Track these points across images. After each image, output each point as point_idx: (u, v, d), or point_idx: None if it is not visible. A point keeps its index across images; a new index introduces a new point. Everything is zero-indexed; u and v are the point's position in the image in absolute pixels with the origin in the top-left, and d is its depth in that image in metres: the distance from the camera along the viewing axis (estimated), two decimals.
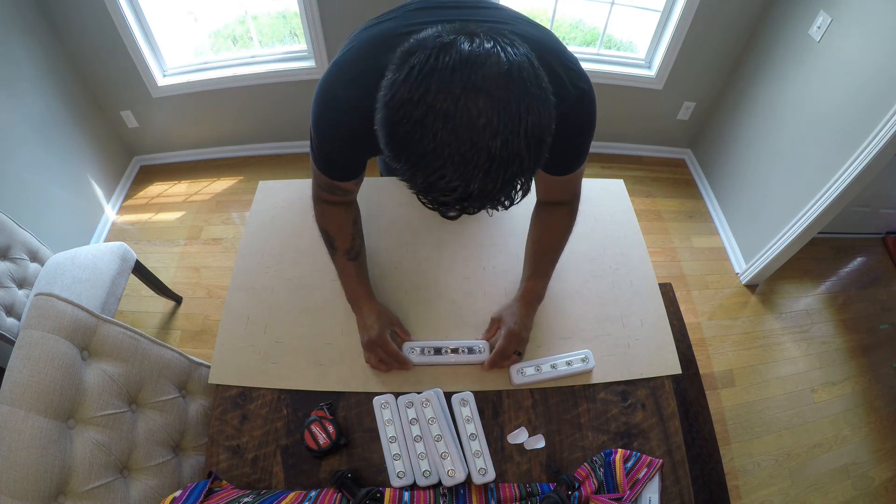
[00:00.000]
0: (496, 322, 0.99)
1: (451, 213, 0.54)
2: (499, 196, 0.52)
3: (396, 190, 1.26)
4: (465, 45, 0.46)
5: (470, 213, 0.54)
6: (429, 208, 0.54)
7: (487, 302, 1.05)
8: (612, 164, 2.67)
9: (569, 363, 0.97)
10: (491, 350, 0.96)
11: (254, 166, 2.66)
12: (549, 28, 0.76)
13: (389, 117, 0.50)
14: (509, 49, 0.48)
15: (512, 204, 0.53)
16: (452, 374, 0.96)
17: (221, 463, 0.88)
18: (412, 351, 0.97)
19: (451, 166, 0.48)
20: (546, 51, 0.66)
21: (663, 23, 2.19)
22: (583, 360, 0.97)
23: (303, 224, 1.19)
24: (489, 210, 0.53)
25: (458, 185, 0.49)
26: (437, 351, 0.97)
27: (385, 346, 0.94)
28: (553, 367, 0.96)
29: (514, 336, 0.94)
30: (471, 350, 0.97)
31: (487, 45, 0.47)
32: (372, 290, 1.01)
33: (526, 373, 0.95)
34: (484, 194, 0.50)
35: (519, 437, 0.90)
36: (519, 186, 0.52)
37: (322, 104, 0.73)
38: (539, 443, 0.89)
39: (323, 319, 1.03)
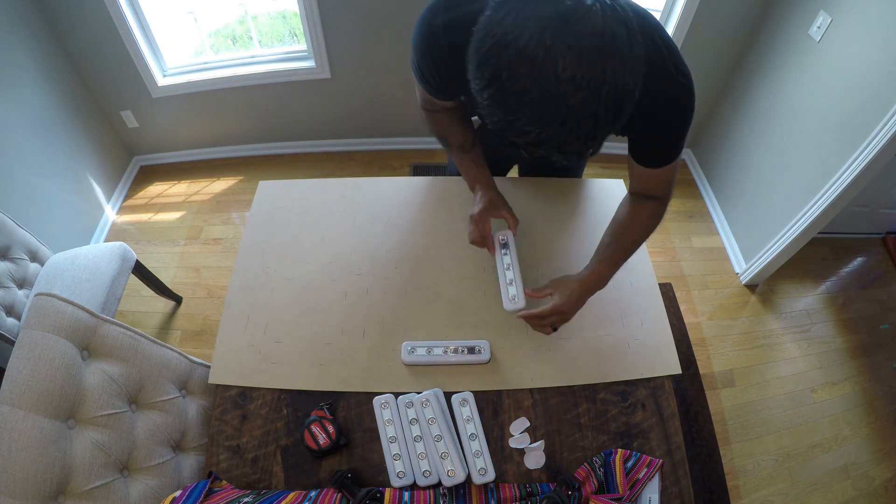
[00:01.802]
0: (549, 288, 0.97)
1: (523, 153, 0.56)
2: (568, 148, 0.53)
3: (396, 190, 1.26)
4: (568, 2, 0.47)
5: (535, 156, 0.56)
6: (502, 145, 0.56)
7: (487, 302, 1.05)
8: (612, 164, 2.67)
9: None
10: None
11: (254, 166, 2.66)
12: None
13: (480, 52, 0.52)
14: (609, 12, 0.49)
15: (580, 159, 0.55)
16: (452, 374, 0.96)
17: (221, 463, 0.88)
18: (412, 351, 0.97)
19: (529, 111, 0.50)
20: (652, 28, 0.69)
21: (663, 23, 2.19)
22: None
23: (303, 224, 1.19)
24: (555, 158, 0.55)
25: (532, 131, 0.51)
26: (437, 351, 0.97)
27: (480, 224, 1.01)
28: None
29: (559, 310, 0.92)
30: (471, 350, 0.97)
31: (589, 3, 0.48)
32: (489, 178, 1.07)
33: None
34: (554, 144, 0.53)
35: (521, 441, 0.90)
36: (590, 143, 0.53)
37: (422, 25, 0.78)
38: (540, 461, 0.88)
39: (323, 319, 1.03)
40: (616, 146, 3.11)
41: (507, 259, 1.01)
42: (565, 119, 0.50)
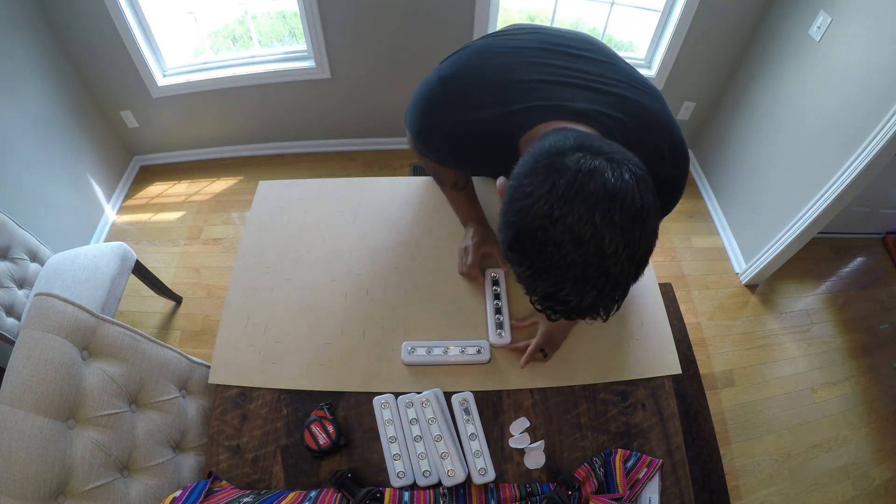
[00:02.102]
0: (535, 316, 1.01)
1: (553, 317, 0.57)
2: (603, 311, 0.55)
3: (396, 190, 1.26)
4: (609, 177, 0.50)
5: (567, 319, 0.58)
6: (536, 308, 0.58)
7: (487, 302, 1.05)
8: None
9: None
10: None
11: (254, 166, 2.66)
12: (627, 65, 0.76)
13: (523, 225, 0.52)
14: (641, 182, 0.52)
15: (608, 316, 0.56)
16: (452, 374, 0.96)
17: (221, 463, 0.88)
18: (412, 351, 0.97)
19: (571, 283, 0.52)
20: (658, 127, 0.69)
21: (663, 23, 2.19)
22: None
23: (303, 224, 1.19)
24: (588, 320, 0.57)
25: (573, 300, 0.53)
26: (437, 351, 0.97)
27: (470, 256, 1.05)
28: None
29: (547, 337, 0.95)
30: (471, 350, 0.97)
31: (626, 177, 0.50)
32: (482, 214, 1.11)
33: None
34: (592, 309, 0.54)
35: (521, 441, 0.90)
36: (620, 303, 0.56)
37: (424, 111, 0.76)
38: (540, 461, 0.88)
39: (323, 319, 1.03)
40: None
41: (497, 295, 1.04)
42: (603, 287, 0.52)
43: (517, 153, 0.67)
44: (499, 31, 0.82)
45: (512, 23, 1.10)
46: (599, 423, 0.92)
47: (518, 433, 0.90)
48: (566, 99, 0.65)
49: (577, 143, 0.53)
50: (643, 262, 0.53)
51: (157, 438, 0.95)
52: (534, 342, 0.95)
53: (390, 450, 0.86)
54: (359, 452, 0.89)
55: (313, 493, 0.81)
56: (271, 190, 1.26)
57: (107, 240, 2.35)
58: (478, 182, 1.26)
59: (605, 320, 0.56)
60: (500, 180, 0.64)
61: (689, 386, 1.32)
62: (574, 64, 0.70)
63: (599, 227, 0.49)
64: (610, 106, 0.66)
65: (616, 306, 0.56)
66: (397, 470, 0.85)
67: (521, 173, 0.55)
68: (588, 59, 0.71)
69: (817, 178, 1.83)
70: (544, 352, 0.96)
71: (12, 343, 1.42)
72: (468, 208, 1.10)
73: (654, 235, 0.54)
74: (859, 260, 2.47)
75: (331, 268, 1.11)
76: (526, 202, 0.52)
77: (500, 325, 1.00)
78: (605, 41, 2.29)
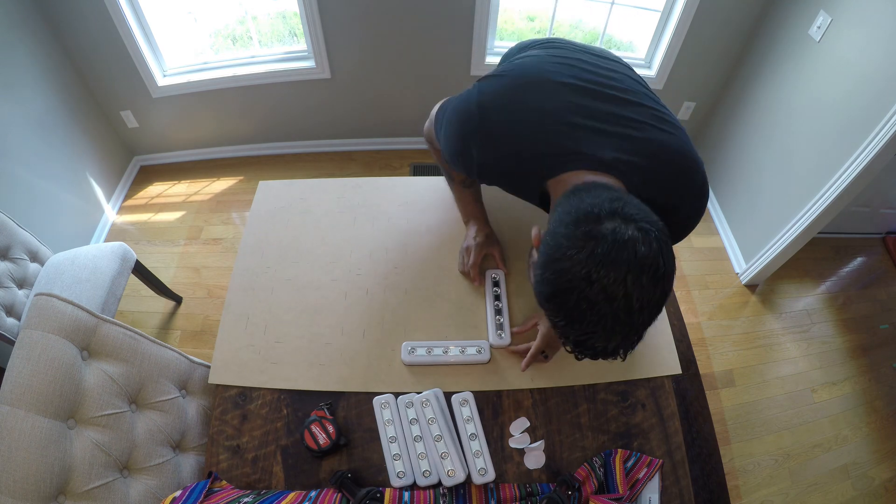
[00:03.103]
0: (534, 318, 1.01)
1: (580, 357, 0.64)
2: (625, 351, 0.62)
3: (396, 190, 1.26)
4: (641, 247, 0.57)
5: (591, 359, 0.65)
6: (566, 350, 0.65)
7: (487, 302, 1.05)
8: None
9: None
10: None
11: (254, 166, 2.66)
12: (645, 89, 0.80)
13: (562, 284, 0.59)
14: (665, 250, 0.59)
15: (626, 356, 0.63)
16: (452, 374, 0.96)
17: (221, 463, 0.88)
18: (412, 351, 0.97)
19: (601, 333, 0.59)
20: (681, 171, 0.75)
21: (663, 23, 2.18)
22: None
23: (303, 224, 1.19)
24: (610, 359, 0.63)
25: (599, 346, 0.60)
26: (437, 351, 0.97)
27: (472, 256, 1.07)
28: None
29: (547, 340, 0.95)
30: (471, 350, 0.97)
31: (654, 246, 0.58)
32: (485, 214, 1.12)
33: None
34: (615, 352, 0.61)
35: (521, 441, 0.90)
36: (637, 343, 0.62)
37: (461, 144, 0.79)
38: (540, 461, 0.88)
39: (323, 319, 1.03)
40: None
41: (498, 297, 1.05)
42: (627, 334, 0.60)
43: (542, 191, 0.77)
44: (543, 51, 0.85)
45: (544, 33, 1.08)
46: (599, 423, 0.92)
47: (518, 433, 0.90)
48: (594, 147, 0.71)
49: (612, 209, 0.59)
50: (662, 306, 0.61)
51: (157, 438, 0.95)
52: (535, 345, 0.95)
53: (390, 450, 0.86)
54: (359, 452, 0.89)
55: (313, 493, 0.81)
56: (271, 190, 1.26)
57: (107, 240, 2.35)
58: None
59: (623, 360, 0.63)
60: (535, 231, 0.70)
61: (689, 386, 1.31)
62: (604, 106, 0.74)
63: (630, 289, 0.56)
64: (635, 153, 0.71)
65: (636, 345, 0.63)
66: (397, 470, 0.85)
67: (559, 234, 0.60)
68: (617, 99, 0.75)
69: (817, 178, 1.83)
70: (545, 353, 0.96)
71: (12, 343, 1.42)
72: (473, 207, 1.10)
73: (671, 290, 0.62)
74: (859, 260, 2.47)
75: (331, 268, 1.11)
76: (566, 264, 0.58)
77: (500, 326, 1.00)
78: (604, 41, 2.31)
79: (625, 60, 0.87)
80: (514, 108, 0.75)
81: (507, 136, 0.75)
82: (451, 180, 1.07)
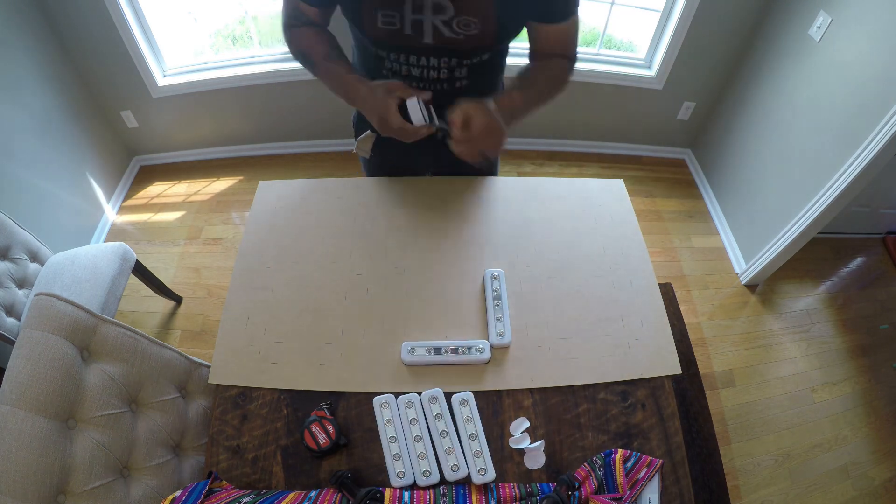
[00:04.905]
0: (459, 116, 0.83)
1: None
2: None
3: (396, 190, 1.26)
4: None
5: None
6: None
7: (487, 302, 1.05)
8: (612, 164, 2.67)
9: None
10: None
11: (254, 166, 2.66)
12: None
13: None
14: None
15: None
16: (452, 374, 0.96)
17: (221, 463, 0.88)
18: (412, 351, 0.97)
19: None
20: None
21: (663, 23, 2.19)
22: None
23: (303, 224, 1.19)
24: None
25: None
26: (437, 351, 0.97)
27: (394, 121, 0.88)
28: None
29: (494, 128, 0.80)
30: (471, 350, 0.97)
31: None
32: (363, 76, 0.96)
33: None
34: None
35: (521, 441, 0.90)
36: None
37: None
38: (540, 461, 0.88)
39: (323, 319, 1.03)
40: (616, 146, 3.08)
41: (496, 293, 1.04)
42: None
43: None
44: None
45: None
46: (599, 423, 0.92)
47: (518, 433, 0.90)
48: None
49: None
50: None
51: (157, 438, 0.96)
52: (473, 133, 0.81)
53: (390, 450, 0.86)
54: (359, 452, 0.89)
55: (313, 493, 0.81)
56: (271, 190, 1.26)
57: (107, 240, 2.35)
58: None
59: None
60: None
61: (689, 386, 1.32)
62: None
63: None
64: None
65: None
66: (397, 470, 0.85)
67: None
68: None
69: (817, 178, 1.83)
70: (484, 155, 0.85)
71: (12, 343, 1.42)
72: (345, 74, 0.96)
73: None
74: (859, 260, 2.47)
75: (331, 268, 1.11)
76: None
77: (500, 325, 1.00)
78: (605, 41, 2.31)
79: None
80: None
81: None
82: (314, 66, 0.98)
